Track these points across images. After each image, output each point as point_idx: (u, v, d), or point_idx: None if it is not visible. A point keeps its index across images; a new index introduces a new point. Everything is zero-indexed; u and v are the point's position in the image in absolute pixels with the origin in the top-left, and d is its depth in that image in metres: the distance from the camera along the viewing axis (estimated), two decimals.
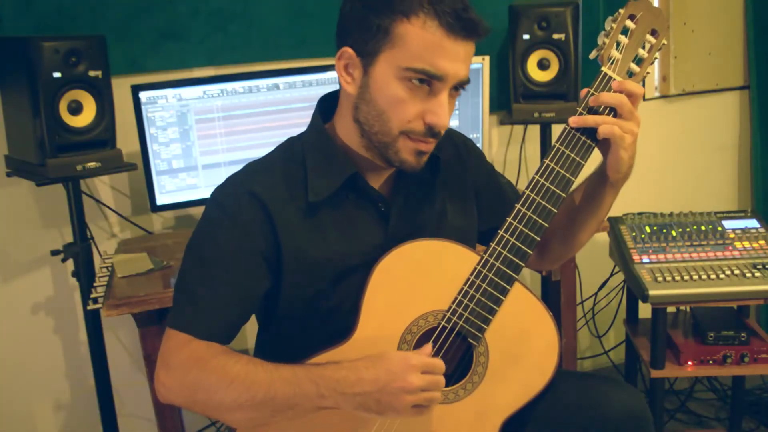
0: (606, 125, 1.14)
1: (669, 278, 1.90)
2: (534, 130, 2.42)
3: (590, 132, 1.16)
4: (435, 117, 1.10)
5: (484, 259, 1.16)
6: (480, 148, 1.53)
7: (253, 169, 1.22)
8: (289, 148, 1.25)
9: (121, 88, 1.85)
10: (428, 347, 1.12)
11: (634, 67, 1.18)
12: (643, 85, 1.18)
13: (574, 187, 1.22)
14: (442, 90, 1.10)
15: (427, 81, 1.09)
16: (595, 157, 1.20)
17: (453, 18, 1.06)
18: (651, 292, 1.87)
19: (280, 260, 1.17)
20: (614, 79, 1.15)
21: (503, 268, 1.16)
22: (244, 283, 1.16)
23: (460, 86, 1.13)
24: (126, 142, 1.87)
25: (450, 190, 1.31)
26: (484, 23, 1.10)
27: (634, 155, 1.18)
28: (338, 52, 1.15)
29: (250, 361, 1.10)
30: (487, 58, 2.12)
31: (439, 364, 1.10)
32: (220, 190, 1.20)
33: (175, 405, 1.17)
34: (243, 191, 1.17)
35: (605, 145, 1.18)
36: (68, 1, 1.92)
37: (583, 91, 1.17)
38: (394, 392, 1.06)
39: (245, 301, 1.18)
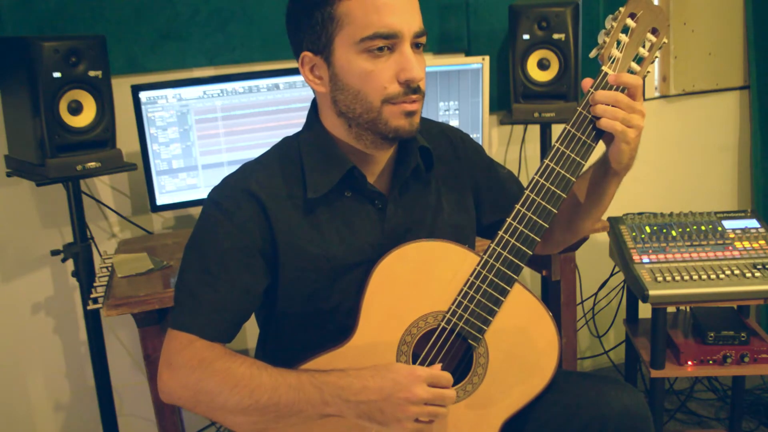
0: (606, 119, 1.14)
1: (669, 278, 1.90)
2: (534, 130, 2.42)
3: (590, 132, 1.16)
4: (406, 72, 1.11)
5: (483, 260, 1.16)
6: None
7: (248, 167, 1.23)
8: (285, 146, 1.25)
9: (121, 88, 1.85)
10: (437, 366, 1.13)
11: (634, 66, 1.17)
12: (643, 84, 1.18)
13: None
14: (402, 45, 1.12)
15: (385, 45, 1.10)
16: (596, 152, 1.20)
17: None
18: (651, 292, 1.87)
19: (277, 256, 1.18)
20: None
21: (503, 269, 1.16)
22: (243, 281, 1.16)
23: (419, 37, 1.14)
24: (126, 142, 1.87)
25: (446, 185, 1.31)
26: None
27: (637, 147, 1.18)
28: (299, 60, 1.18)
29: (254, 364, 1.10)
30: (487, 58, 2.12)
31: (447, 377, 1.10)
32: (216, 190, 1.21)
33: (178, 405, 1.17)
34: (239, 189, 1.18)
35: (608, 135, 1.17)
36: (68, 1, 1.92)
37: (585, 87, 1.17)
38: (399, 403, 1.06)
39: (246, 299, 1.18)
